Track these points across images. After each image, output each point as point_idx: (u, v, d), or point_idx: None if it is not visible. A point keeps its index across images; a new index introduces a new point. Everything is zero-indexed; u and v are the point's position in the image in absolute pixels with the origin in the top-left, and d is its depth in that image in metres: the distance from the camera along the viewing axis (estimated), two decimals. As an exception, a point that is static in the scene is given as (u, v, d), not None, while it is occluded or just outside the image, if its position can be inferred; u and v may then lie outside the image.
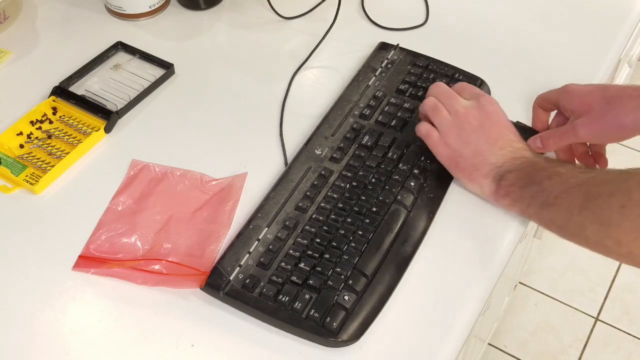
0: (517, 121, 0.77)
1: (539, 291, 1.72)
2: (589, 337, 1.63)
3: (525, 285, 1.72)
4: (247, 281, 0.64)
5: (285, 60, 0.89)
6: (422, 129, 0.73)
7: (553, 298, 1.70)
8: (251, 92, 0.85)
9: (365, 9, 0.96)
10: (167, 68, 0.86)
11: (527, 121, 0.79)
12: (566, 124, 0.73)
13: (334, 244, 0.66)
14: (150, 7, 0.93)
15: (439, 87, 0.74)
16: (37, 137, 0.78)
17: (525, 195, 0.65)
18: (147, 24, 0.94)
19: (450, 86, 0.75)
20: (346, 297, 0.63)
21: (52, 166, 0.75)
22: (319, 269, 0.64)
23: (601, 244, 0.59)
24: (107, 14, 0.95)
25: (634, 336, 1.63)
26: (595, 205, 0.58)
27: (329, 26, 0.90)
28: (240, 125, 0.81)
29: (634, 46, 1.36)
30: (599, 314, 1.68)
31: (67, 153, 0.76)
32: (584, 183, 0.61)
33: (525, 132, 0.74)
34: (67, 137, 0.79)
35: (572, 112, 0.72)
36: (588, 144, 0.77)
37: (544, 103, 0.77)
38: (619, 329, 1.65)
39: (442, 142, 0.71)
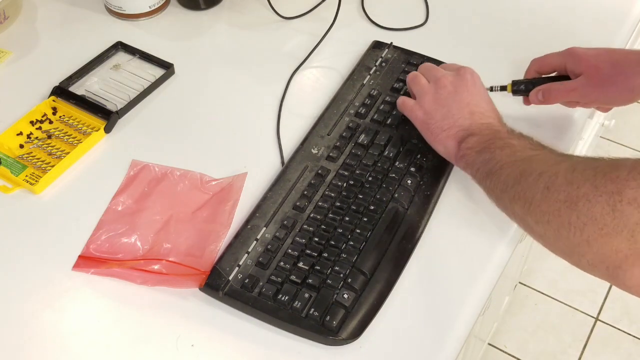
0: (513, 80, 0.78)
1: (539, 291, 1.72)
2: (589, 337, 1.63)
3: (525, 285, 1.72)
4: (246, 281, 0.64)
5: (285, 60, 0.89)
6: (399, 100, 0.76)
7: (553, 298, 1.70)
8: (251, 92, 0.85)
9: (365, 9, 0.96)
10: (167, 68, 0.86)
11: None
12: (571, 81, 0.74)
13: (333, 242, 0.66)
14: (150, 7, 0.93)
15: (424, 65, 0.78)
16: (37, 137, 0.78)
17: (477, 160, 0.66)
18: (147, 24, 0.94)
19: None
20: (345, 296, 0.63)
21: (52, 166, 0.75)
22: (317, 267, 0.64)
23: (524, 221, 0.60)
24: (107, 14, 0.95)
25: (634, 336, 1.63)
26: (525, 182, 0.59)
27: (328, 26, 0.90)
28: (240, 125, 0.81)
29: (634, 46, 1.36)
30: (599, 314, 1.67)
31: (67, 153, 0.76)
32: (527, 159, 0.61)
33: (521, 84, 0.77)
34: (67, 137, 0.79)
35: (578, 74, 0.73)
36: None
37: (543, 66, 0.77)
38: (619, 329, 1.65)
39: (417, 106, 0.73)
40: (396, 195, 0.71)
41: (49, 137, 0.79)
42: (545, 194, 0.56)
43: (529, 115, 0.80)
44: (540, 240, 0.59)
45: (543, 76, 0.78)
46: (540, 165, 0.59)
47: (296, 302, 0.62)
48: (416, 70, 0.79)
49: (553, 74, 0.77)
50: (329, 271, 0.64)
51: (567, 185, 0.54)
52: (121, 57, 0.89)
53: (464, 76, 0.72)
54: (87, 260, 0.67)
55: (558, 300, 1.70)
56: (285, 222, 0.68)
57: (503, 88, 0.78)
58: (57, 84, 0.83)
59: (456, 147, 0.69)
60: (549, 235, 0.56)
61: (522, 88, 0.77)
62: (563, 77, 0.76)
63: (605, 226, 0.50)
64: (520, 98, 0.79)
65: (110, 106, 0.81)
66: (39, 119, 0.80)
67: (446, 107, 0.71)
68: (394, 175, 0.72)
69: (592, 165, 0.54)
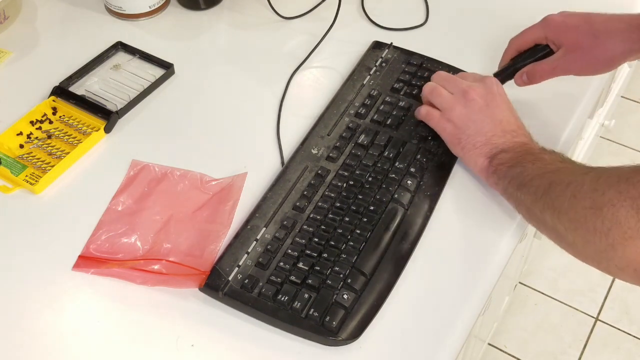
0: (493, 73, 0.78)
1: (539, 291, 1.72)
2: (589, 337, 1.63)
3: (525, 285, 1.72)
4: (246, 281, 0.64)
5: (285, 60, 0.89)
6: (422, 110, 0.75)
7: (553, 298, 1.70)
8: (251, 92, 0.85)
9: (365, 9, 0.96)
10: (167, 68, 0.86)
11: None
12: (552, 58, 0.75)
13: (332, 243, 0.66)
14: (150, 7, 0.93)
15: (439, 74, 0.76)
16: (37, 137, 0.78)
17: (509, 174, 0.67)
18: (147, 24, 0.94)
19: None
20: (345, 296, 0.63)
21: (52, 166, 0.75)
22: (317, 268, 0.64)
23: (555, 230, 0.61)
24: (107, 14, 0.95)
25: (634, 336, 1.63)
26: (554, 192, 0.60)
27: (328, 26, 0.90)
28: (240, 125, 0.81)
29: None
30: (599, 314, 1.67)
31: (67, 153, 0.76)
32: (556, 171, 0.62)
33: (499, 75, 0.77)
34: (67, 137, 0.79)
35: (559, 45, 0.74)
36: None
37: (523, 44, 0.78)
38: (619, 329, 1.65)
39: (444, 118, 0.72)
40: (396, 195, 0.71)
41: (49, 137, 0.79)
42: (572, 201, 0.57)
43: (530, 114, 0.80)
44: (571, 250, 0.60)
45: (523, 54, 0.78)
46: (568, 176, 0.60)
47: (296, 303, 0.62)
48: (415, 71, 0.79)
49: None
50: (328, 271, 0.64)
51: (592, 192, 0.55)
52: (121, 57, 0.89)
53: (491, 88, 0.71)
54: (87, 260, 0.67)
55: (558, 300, 1.70)
56: (285, 223, 0.68)
57: None
58: (57, 84, 0.83)
59: (487, 164, 0.69)
60: (578, 243, 0.58)
61: (505, 76, 0.78)
62: (540, 48, 0.76)
63: (630, 229, 0.52)
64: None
65: (110, 106, 0.81)
66: (39, 119, 0.80)
67: (478, 122, 0.70)
68: (394, 175, 0.72)
69: (616, 172, 0.55)
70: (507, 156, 0.68)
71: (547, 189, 0.61)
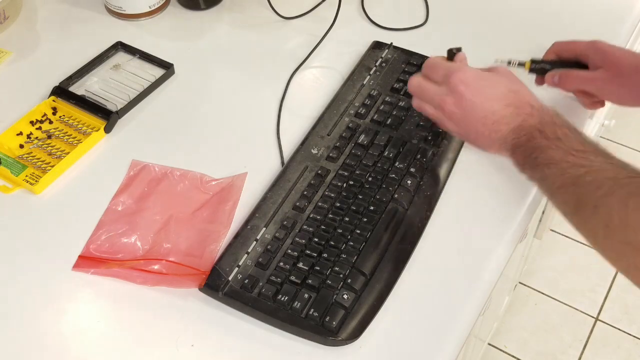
0: (532, 58, 0.78)
1: (539, 291, 1.72)
2: (589, 337, 1.63)
3: (525, 285, 1.72)
4: (246, 281, 0.64)
5: (285, 60, 0.89)
6: (414, 103, 0.72)
7: (553, 298, 1.70)
8: (251, 92, 0.85)
9: (365, 9, 0.96)
10: (167, 68, 0.86)
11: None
12: (590, 71, 0.75)
13: (332, 243, 0.66)
14: (150, 7, 0.93)
15: (412, 83, 0.71)
16: (37, 137, 0.78)
17: (535, 178, 0.64)
18: (147, 24, 0.94)
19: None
20: (345, 296, 0.63)
21: (52, 166, 0.75)
22: (317, 268, 0.64)
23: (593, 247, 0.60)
24: (107, 14, 0.95)
25: (634, 336, 1.63)
26: (583, 214, 0.59)
27: (329, 26, 0.90)
28: (240, 125, 0.81)
29: (634, 46, 1.36)
30: (599, 314, 1.67)
31: (67, 153, 0.76)
32: (576, 183, 0.59)
33: (539, 64, 0.78)
34: (67, 137, 0.79)
35: (598, 67, 0.74)
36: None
37: (565, 50, 0.78)
38: (619, 329, 1.65)
39: (446, 126, 0.70)
40: (396, 195, 0.71)
41: (49, 137, 0.79)
42: (606, 232, 0.56)
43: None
44: (623, 273, 0.59)
45: (561, 60, 0.78)
46: (591, 195, 0.57)
47: (296, 303, 0.62)
48: (415, 71, 0.78)
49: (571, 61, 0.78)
50: (328, 271, 0.64)
51: (624, 228, 0.54)
52: (121, 57, 0.89)
53: (457, 90, 0.66)
54: (87, 260, 0.67)
55: (558, 300, 1.70)
56: (285, 223, 0.68)
57: (521, 64, 0.78)
58: (57, 84, 0.83)
59: (512, 161, 0.67)
60: (620, 269, 0.58)
61: (540, 68, 0.78)
62: (580, 65, 0.76)
63: None
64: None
65: (110, 106, 0.81)
66: (39, 119, 0.80)
67: (471, 128, 0.67)
68: (393, 175, 0.72)
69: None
70: (519, 157, 0.65)
71: (574, 209, 0.59)
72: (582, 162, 0.60)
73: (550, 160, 0.62)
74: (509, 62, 0.78)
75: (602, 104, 0.80)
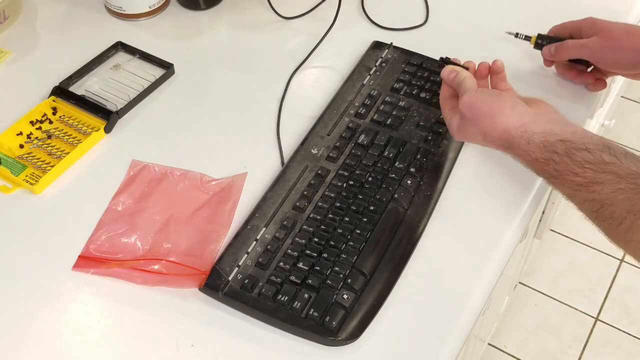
0: (539, 33, 0.84)
1: (539, 291, 1.72)
2: (589, 337, 1.63)
3: (525, 285, 1.72)
4: (246, 281, 0.64)
5: (285, 60, 0.89)
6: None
7: (553, 298, 1.70)
8: (251, 92, 0.85)
9: (365, 9, 0.96)
10: (167, 68, 0.86)
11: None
12: (583, 39, 0.79)
13: (332, 243, 0.66)
14: (150, 7, 0.93)
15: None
16: (37, 137, 0.78)
17: (559, 189, 0.64)
18: (147, 24, 0.94)
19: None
20: (345, 296, 0.63)
21: (52, 166, 0.75)
22: (317, 268, 0.64)
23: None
24: (107, 14, 0.95)
25: (634, 336, 1.63)
26: (607, 225, 0.59)
27: (329, 26, 0.90)
28: (240, 125, 0.81)
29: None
30: (599, 314, 1.67)
31: (67, 153, 0.76)
32: (591, 197, 0.59)
33: (545, 39, 0.83)
34: (67, 137, 0.79)
35: (591, 36, 0.78)
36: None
37: (560, 29, 0.83)
38: (619, 329, 1.65)
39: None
40: (396, 195, 0.71)
41: (49, 137, 0.79)
42: (633, 247, 0.57)
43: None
44: None
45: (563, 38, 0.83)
46: (619, 205, 0.58)
47: (296, 303, 0.62)
48: (415, 71, 0.78)
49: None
50: (328, 271, 0.64)
51: None
52: (121, 57, 0.89)
53: (451, 127, 0.70)
54: (87, 260, 0.67)
55: (558, 300, 1.70)
56: (285, 223, 0.68)
57: (527, 38, 0.85)
58: (57, 84, 0.83)
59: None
60: None
61: (545, 43, 0.83)
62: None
63: None
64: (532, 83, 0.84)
65: (110, 106, 0.81)
66: (39, 119, 0.80)
67: (480, 135, 0.67)
68: (393, 175, 0.72)
69: None
70: (525, 162, 0.65)
71: (599, 222, 0.60)
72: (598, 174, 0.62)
73: (557, 172, 0.62)
74: (517, 35, 0.85)
75: (604, 84, 0.84)
